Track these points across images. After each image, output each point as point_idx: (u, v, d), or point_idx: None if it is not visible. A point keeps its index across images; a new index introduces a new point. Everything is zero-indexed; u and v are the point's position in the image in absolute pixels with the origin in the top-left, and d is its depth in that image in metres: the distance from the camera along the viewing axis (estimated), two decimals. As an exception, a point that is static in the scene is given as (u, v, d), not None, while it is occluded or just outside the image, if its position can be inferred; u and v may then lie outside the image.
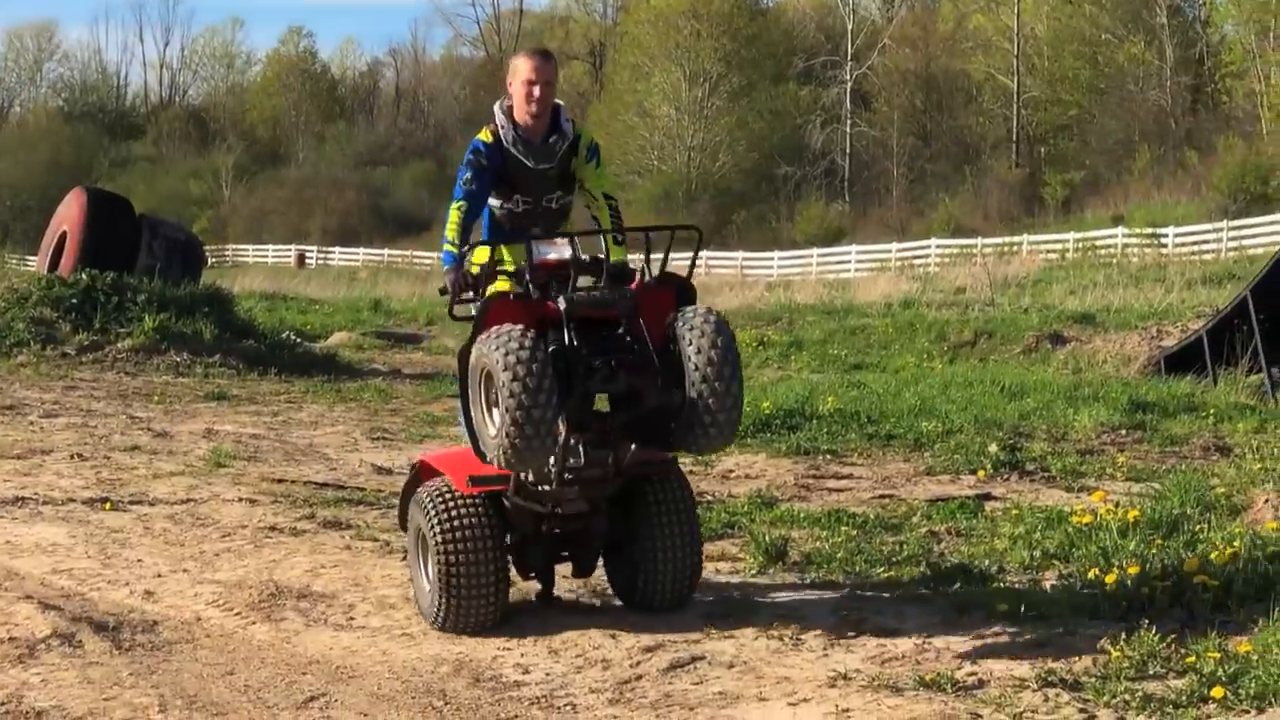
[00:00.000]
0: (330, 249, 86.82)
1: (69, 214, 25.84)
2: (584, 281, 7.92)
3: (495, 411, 7.53)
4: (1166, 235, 53.08)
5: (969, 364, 24.78)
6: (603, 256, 8.06)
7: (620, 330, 7.76)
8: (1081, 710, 6.81)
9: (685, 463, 8.40)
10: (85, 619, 8.69)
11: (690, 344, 7.62)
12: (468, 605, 8.19)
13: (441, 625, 8.28)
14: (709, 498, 12.21)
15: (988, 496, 12.40)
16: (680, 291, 8.01)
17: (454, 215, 8.33)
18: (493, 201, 8.56)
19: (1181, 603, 8.28)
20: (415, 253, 79.23)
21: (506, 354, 7.34)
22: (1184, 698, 6.84)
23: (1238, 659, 7.14)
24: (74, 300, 23.89)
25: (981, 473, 13.53)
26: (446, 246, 8.29)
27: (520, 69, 8.45)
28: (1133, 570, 8.52)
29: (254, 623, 8.74)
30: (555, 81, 8.54)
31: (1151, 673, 7.21)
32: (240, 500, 12.37)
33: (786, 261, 65.37)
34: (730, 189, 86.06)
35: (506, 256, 8.44)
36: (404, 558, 10.15)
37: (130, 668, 7.85)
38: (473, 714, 7.12)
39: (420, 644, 8.27)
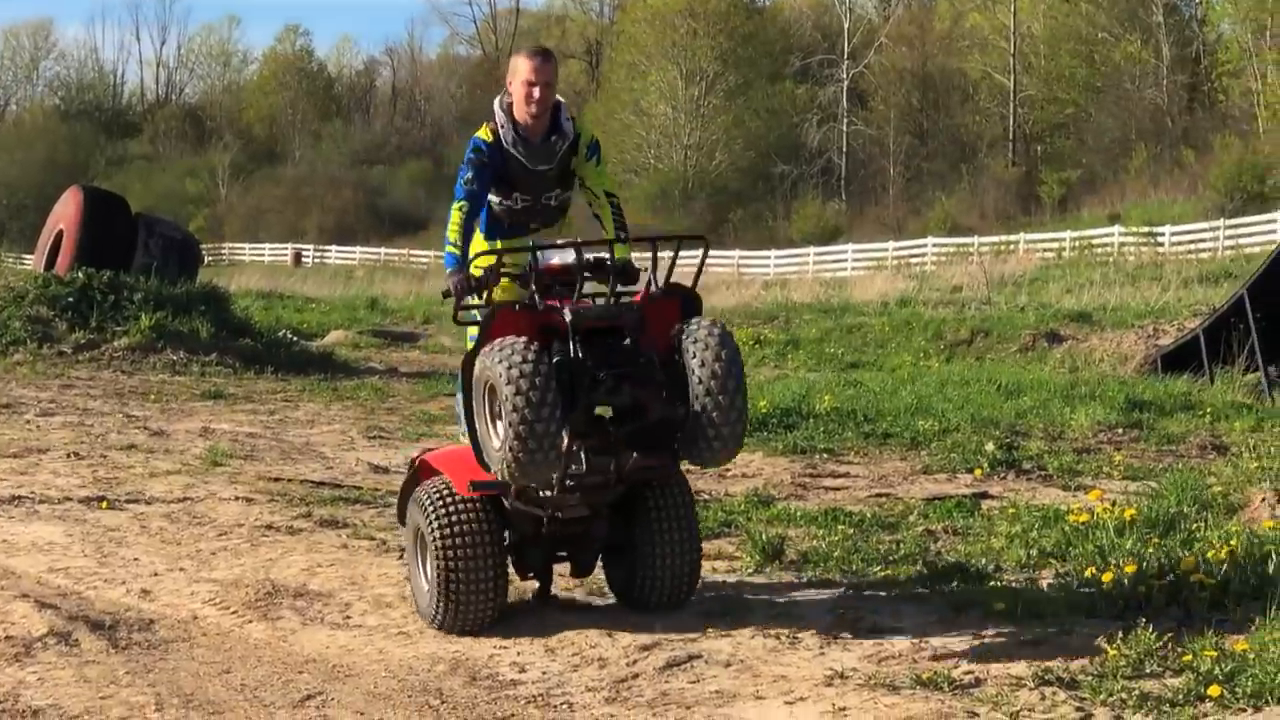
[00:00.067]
0: (327, 248, 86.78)
1: (65, 212, 25.82)
2: (589, 279, 7.90)
3: (499, 424, 7.49)
4: (1163, 234, 53.08)
5: (965, 363, 24.81)
6: (607, 256, 8.04)
7: (626, 341, 7.72)
8: (1078, 709, 6.81)
9: (682, 462, 8.38)
10: (82, 617, 8.69)
11: (694, 357, 7.59)
12: (466, 605, 8.16)
13: (440, 625, 8.26)
14: (705, 496, 12.20)
15: (984, 495, 12.41)
16: (686, 302, 7.97)
17: (455, 215, 8.27)
18: (492, 198, 8.53)
19: (1178, 601, 8.28)
20: (412, 251, 79.23)
21: (509, 368, 7.31)
22: (1181, 696, 6.83)
23: (1234, 658, 7.13)
24: (70, 299, 23.87)
25: (978, 471, 13.53)
26: (449, 248, 8.23)
27: (520, 69, 8.41)
28: (1129, 569, 8.52)
29: (250, 621, 8.74)
30: (555, 82, 8.50)
31: (1148, 671, 7.21)
32: (237, 499, 12.37)
33: (783, 260, 65.32)
34: (727, 188, 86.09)
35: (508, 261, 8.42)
36: (400, 556, 10.15)
37: (127, 666, 7.84)
38: (469, 712, 7.12)
39: (417, 642, 8.27)
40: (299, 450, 15.32)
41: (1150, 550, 8.99)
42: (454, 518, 8.14)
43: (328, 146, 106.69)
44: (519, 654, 7.94)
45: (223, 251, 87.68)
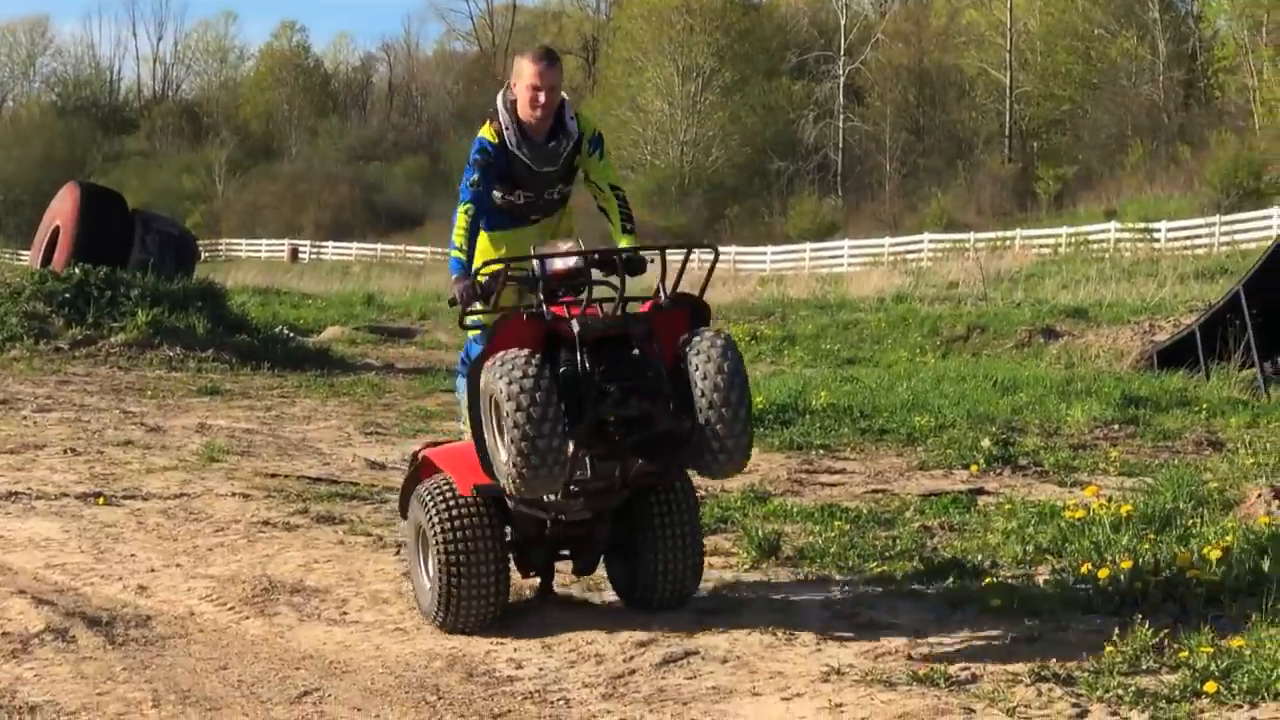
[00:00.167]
0: (323, 244, 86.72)
1: (62, 209, 25.79)
2: (596, 275, 7.86)
3: (504, 439, 7.46)
4: (1159, 230, 53.10)
5: (961, 359, 24.81)
6: (615, 250, 8.01)
7: (634, 352, 7.66)
8: (1074, 705, 6.81)
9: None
10: (78, 614, 8.68)
11: (697, 369, 7.54)
12: (469, 605, 8.12)
13: (442, 623, 8.21)
14: (702, 492, 12.15)
15: (980, 491, 12.42)
16: (694, 312, 7.92)
17: (461, 219, 8.21)
18: (494, 193, 8.50)
19: (1174, 598, 8.28)
20: (408, 247, 79.22)
21: (510, 383, 7.28)
22: (1177, 692, 6.84)
23: (1231, 654, 7.14)
24: (67, 295, 23.84)
25: (974, 467, 13.54)
26: (455, 253, 8.15)
27: (525, 72, 8.36)
28: (1125, 565, 8.52)
29: (247, 618, 8.74)
30: (560, 85, 8.46)
31: (1144, 668, 7.22)
32: (233, 495, 12.36)
33: (779, 256, 65.31)
34: (723, 184, 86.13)
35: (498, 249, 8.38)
36: (397, 552, 10.16)
37: (124, 663, 7.84)
38: (466, 709, 7.12)
39: (414, 639, 8.26)
40: (296, 446, 15.32)
41: (1146, 546, 9.00)
42: (456, 517, 8.09)
43: (324, 143, 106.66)
44: (516, 650, 7.94)
45: (219, 247, 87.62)
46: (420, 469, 8.68)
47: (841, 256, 62.72)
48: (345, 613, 8.83)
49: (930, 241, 61.06)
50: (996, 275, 42.02)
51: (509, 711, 7.07)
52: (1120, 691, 6.89)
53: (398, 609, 8.83)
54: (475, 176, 8.34)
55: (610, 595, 8.87)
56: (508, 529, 8.34)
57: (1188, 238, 51.39)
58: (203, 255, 39.69)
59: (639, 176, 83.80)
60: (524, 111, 8.40)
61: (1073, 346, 25.73)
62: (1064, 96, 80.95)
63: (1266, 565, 8.39)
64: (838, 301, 37.49)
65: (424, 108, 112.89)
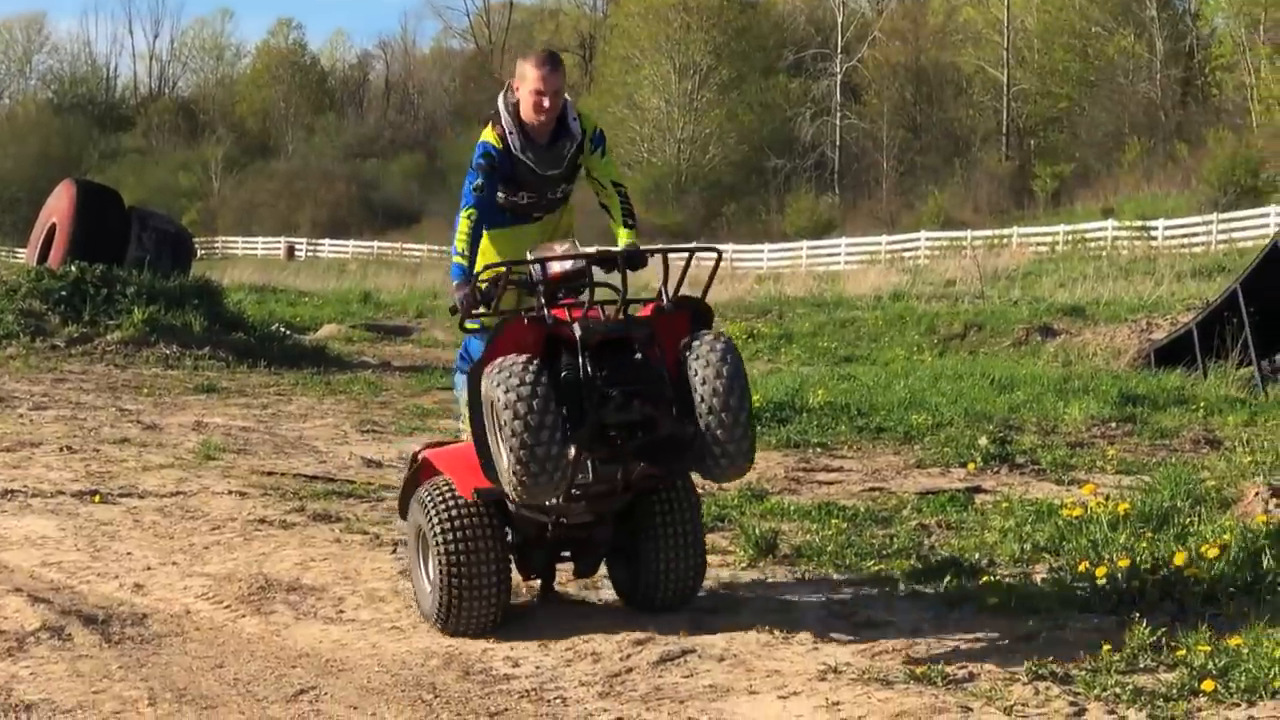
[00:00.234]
0: (320, 241, 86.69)
1: (58, 206, 25.77)
2: (599, 274, 7.83)
3: (503, 445, 7.42)
4: (1156, 228, 53.14)
5: (959, 357, 24.80)
6: (614, 249, 7.98)
7: (636, 355, 7.63)
8: (1072, 703, 6.81)
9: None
10: (74, 612, 8.68)
11: (696, 374, 7.49)
12: (471, 608, 8.05)
13: (443, 626, 8.14)
14: (699, 491, 12.18)
15: (978, 489, 12.41)
16: (696, 315, 7.88)
17: (464, 224, 8.14)
18: (497, 193, 8.44)
19: (1172, 596, 8.28)
20: (405, 245, 79.21)
21: (507, 391, 7.25)
22: (1174, 691, 6.84)
23: (1228, 652, 7.14)
24: (63, 292, 23.82)
25: (971, 466, 13.53)
26: (456, 259, 8.08)
27: (529, 76, 8.29)
28: (1123, 563, 8.52)
29: (244, 616, 8.74)
30: (564, 88, 8.40)
31: (1142, 666, 7.22)
32: (230, 493, 12.35)
33: (776, 254, 65.31)
34: (720, 181, 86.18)
35: (491, 247, 8.35)
36: (394, 550, 10.16)
37: (120, 661, 7.84)
38: (462, 707, 7.12)
39: (410, 637, 8.26)
40: (292, 444, 15.31)
41: (1144, 545, 8.99)
42: (457, 520, 8.03)
43: (321, 140, 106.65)
44: (512, 649, 7.94)
45: (216, 245, 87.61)
46: (420, 470, 8.61)
47: (838, 254, 62.72)
48: (342, 611, 8.83)
49: (927, 239, 61.07)
50: (994, 273, 42.04)
51: (505, 710, 7.07)
52: (1118, 690, 6.89)
53: (394, 607, 8.83)
54: (479, 181, 8.26)
55: (607, 594, 8.86)
56: (508, 531, 8.29)
57: (1185, 236, 51.43)
58: (199, 253, 39.75)
59: (636, 174, 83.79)
60: (527, 115, 8.33)
61: (1070, 345, 25.73)
62: (1061, 94, 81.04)
63: (1264, 564, 8.39)
64: (835, 299, 37.48)
65: (421, 105, 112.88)
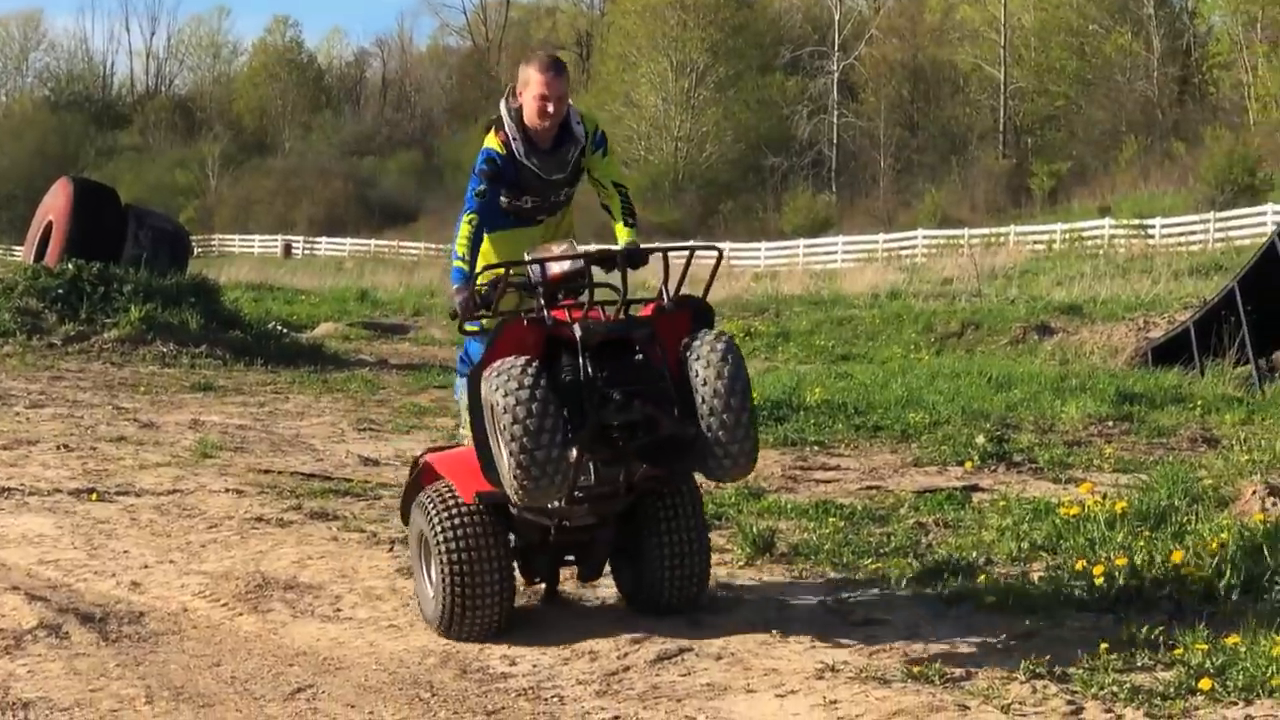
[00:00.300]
0: (317, 239, 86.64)
1: (55, 204, 25.77)
2: (599, 273, 7.80)
3: (503, 449, 7.36)
4: (1153, 226, 53.16)
5: (956, 355, 24.82)
6: (614, 248, 7.95)
7: (637, 356, 7.59)
8: (1069, 702, 6.81)
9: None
10: (72, 610, 8.67)
11: (697, 374, 7.43)
12: (474, 613, 7.98)
13: (446, 631, 8.06)
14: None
15: (975, 488, 12.41)
16: (697, 314, 7.82)
17: (465, 229, 8.07)
18: (500, 197, 8.36)
19: (1169, 595, 8.28)
20: (402, 243, 79.19)
21: (505, 395, 7.19)
22: (1172, 689, 6.84)
23: (1226, 651, 7.14)
24: (60, 290, 23.82)
25: (969, 464, 13.53)
26: (457, 263, 8.00)
27: (533, 81, 8.22)
28: (1120, 562, 8.52)
29: (241, 614, 8.73)
30: (568, 93, 8.34)
31: (1139, 664, 7.21)
32: (227, 491, 12.35)
33: (773, 252, 65.31)
34: (717, 179, 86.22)
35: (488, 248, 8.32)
36: (391, 548, 10.16)
37: (117, 659, 7.83)
38: (460, 705, 7.11)
39: (407, 635, 8.26)
40: (289, 442, 15.31)
41: (1141, 543, 8.99)
42: (459, 524, 7.95)
43: (318, 138, 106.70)
44: (509, 647, 7.92)
45: (213, 243, 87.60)
46: (421, 475, 8.54)
47: (835, 252, 62.74)
48: (339, 609, 8.82)
49: (924, 237, 61.08)
50: (991, 271, 42.06)
51: (503, 708, 7.07)
52: (1115, 688, 6.89)
53: (391, 605, 8.83)
54: (482, 187, 8.20)
55: (604, 593, 8.85)
56: (511, 535, 8.23)
57: (1182, 234, 51.45)
58: (196, 251, 39.72)
59: (633, 172, 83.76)
60: (531, 120, 8.25)
61: (1067, 343, 25.75)
62: (1058, 92, 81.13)
63: (1261, 562, 8.39)
64: (832, 298, 37.50)
65: (417, 103, 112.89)
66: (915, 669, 7.30)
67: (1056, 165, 74.57)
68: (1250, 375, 19.87)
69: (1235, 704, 6.69)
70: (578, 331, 7.51)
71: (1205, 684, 6.81)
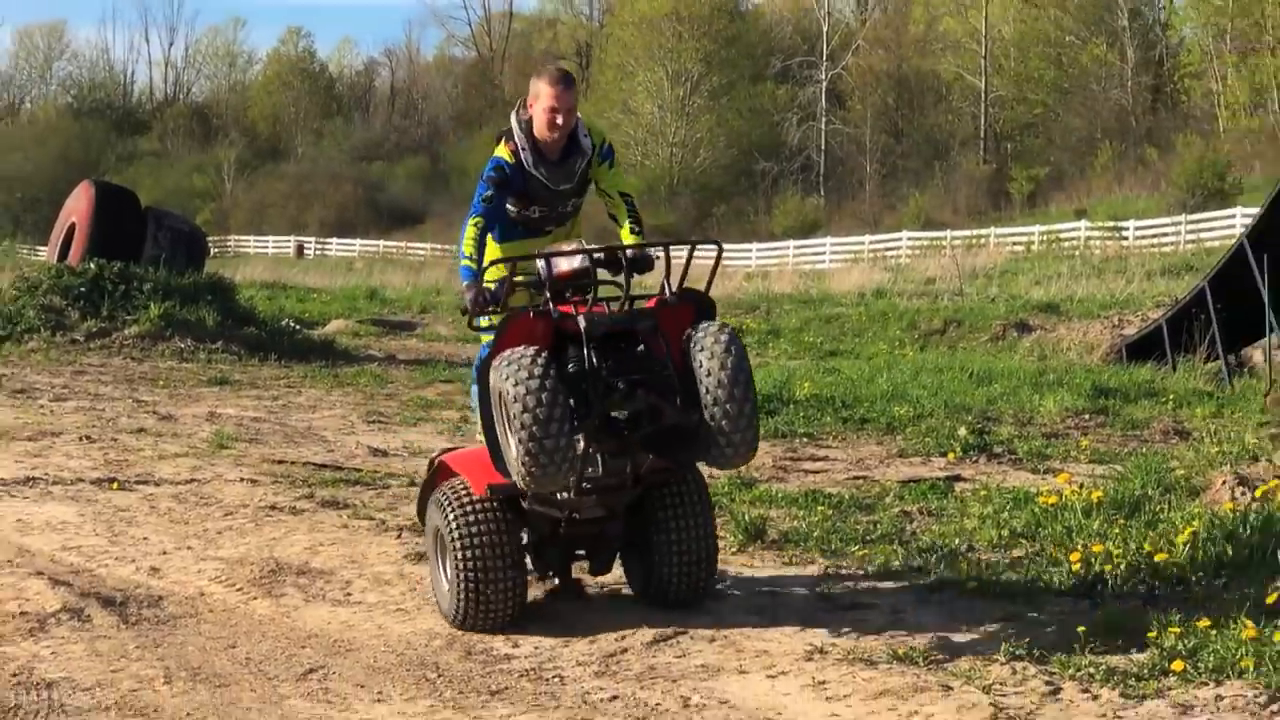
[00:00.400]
0: (328, 240, 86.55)
1: (77, 206, 25.76)
2: (603, 274, 7.76)
3: (512, 436, 7.32)
4: (1127, 228, 53.13)
5: (939, 351, 24.80)
6: (621, 246, 7.92)
7: (640, 347, 7.55)
8: (1048, 682, 6.81)
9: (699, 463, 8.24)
10: (93, 594, 8.67)
11: (701, 365, 7.38)
12: (487, 605, 7.91)
13: (461, 624, 7.99)
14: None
15: (957, 478, 12.40)
16: (699, 307, 7.77)
17: (471, 231, 8.03)
18: (509, 206, 8.32)
19: (1143, 580, 8.29)
20: (410, 244, 79.07)
21: (516, 384, 7.13)
22: (1146, 670, 6.84)
23: (1197, 634, 7.14)
24: (82, 289, 23.81)
25: (951, 455, 13.53)
26: (465, 262, 7.96)
27: (543, 94, 8.18)
28: (1096, 549, 8.53)
29: (255, 598, 8.73)
30: (576, 105, 8.30)
31: (1114, 647, 7.21)
32: (242, 481, 12.35)
33: (764, 253, 65.24)
34: (711, 184, 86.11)
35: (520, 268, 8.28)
36: (399, 535, 10.15)
37: (137, 641, 7.83)
38: (464, 685, 7.11)
39: (414, 619, 8.26)
40: (301, 434, 15.30)
41: (1116, 531, 8.99)
42: (473, 519, 7.90)
43: (329, 144, 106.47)
44: (512, 631, 7.92)
45: (228, 244, 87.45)
46: (437, 473, 8.49)
47: (824, 253, 62.66)
48: (349, 594, 8.82)
49: (909, 239, 61.03)
50: (972, 272, 42.00)
51: (506, 688, 7.07)
52: (1091, 670, 6.89)
53: (399, 590, 8.83)
54: (489, 193, 8.14)
55: (603, 579, 8.83)
56: (524, 530, 8.18)
57: (1155, 236, 51.44)
58: (212, 251, 39.59)
59: (630, 177, 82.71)
60: (540, 131, 8.22)
61: (1045, 340, 25.74)
62: (1036, 100, 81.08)
63: (1231, 549, 8.39)
64: (820, 296, 37.44)
65: (424, 110, 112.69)
66: (900, 651, 7.31)
67: (1035, 170, 74.49)
68: (1220, 371, 19.86)
69: (1206, 685, 6.69)
70: (582, 323, 7.48)
71: (1178, 665, 6.81)
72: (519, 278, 7.78)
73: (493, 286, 7.86)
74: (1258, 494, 9.45)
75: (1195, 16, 77.59)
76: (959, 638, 7.57)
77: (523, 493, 7.73)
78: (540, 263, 7.68)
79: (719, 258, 7.97)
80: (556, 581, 8.62)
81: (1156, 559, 8.33)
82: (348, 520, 10.78)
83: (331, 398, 18.59)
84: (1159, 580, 8.24)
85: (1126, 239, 51.99)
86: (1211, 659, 6.85)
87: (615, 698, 6.91)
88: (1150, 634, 7.22)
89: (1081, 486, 10.34)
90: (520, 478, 7.28)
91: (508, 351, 7.31)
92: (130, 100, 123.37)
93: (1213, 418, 15.88)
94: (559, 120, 8.17)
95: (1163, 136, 71.74)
